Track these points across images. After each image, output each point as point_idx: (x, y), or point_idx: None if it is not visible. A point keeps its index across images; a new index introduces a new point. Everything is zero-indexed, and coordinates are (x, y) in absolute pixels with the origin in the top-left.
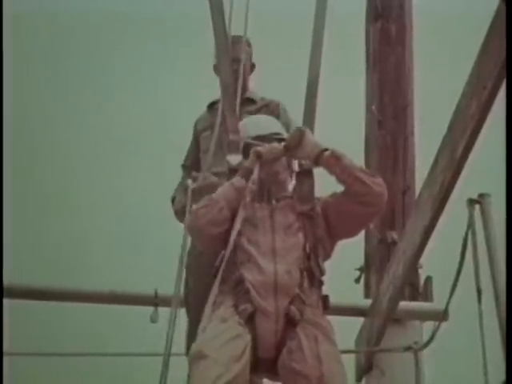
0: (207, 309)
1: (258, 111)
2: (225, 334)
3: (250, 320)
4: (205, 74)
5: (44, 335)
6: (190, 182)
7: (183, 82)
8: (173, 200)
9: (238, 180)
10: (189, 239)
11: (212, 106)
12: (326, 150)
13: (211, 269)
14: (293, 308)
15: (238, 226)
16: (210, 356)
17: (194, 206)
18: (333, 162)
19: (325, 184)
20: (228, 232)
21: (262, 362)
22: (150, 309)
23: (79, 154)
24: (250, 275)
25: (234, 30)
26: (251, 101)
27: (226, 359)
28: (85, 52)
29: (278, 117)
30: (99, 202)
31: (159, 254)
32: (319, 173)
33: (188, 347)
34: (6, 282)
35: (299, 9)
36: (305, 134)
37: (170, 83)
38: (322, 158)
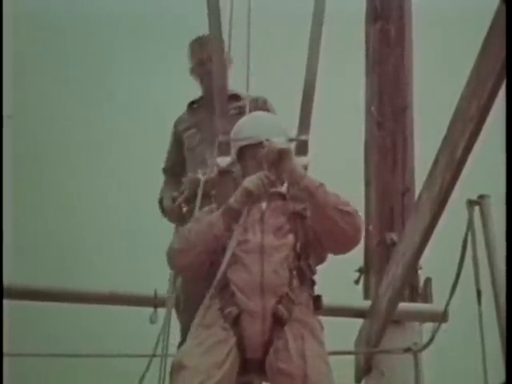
0: (197, 317)
1: (244, 106)
2: (207, 341)
3: (236, 322)
4: None
5: (44, 336)
6: (201, 174)
7: (180, 81)
8: (160, 201)
9: (217, 224)
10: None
11: (192, 105)
12: (303, 177)
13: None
14: (281, 307)
15: (227, 258)
16: (189, 366)
17: (174, 244)
18: (307, 197)
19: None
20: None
21: (251, 362)
22: (150, 310)
23: (80, 154)
24: (235, 276)
25: (234, 30)
26: (236, 97)
27: (208, 366)
28: (85, 51)
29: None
30: (99, 202)
31: (159, 255)
32: (316, 173)
33: None
34: (5, 282)
35: (297, 9)
36: (287, 154)
37: (167, 81)
38: (297, 187)
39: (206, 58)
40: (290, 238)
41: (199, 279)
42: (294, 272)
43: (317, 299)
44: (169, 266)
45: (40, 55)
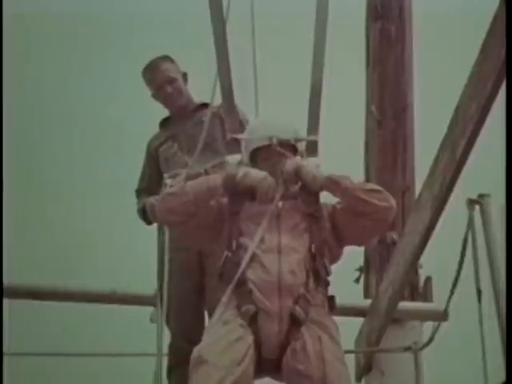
0: (216, 314)
1: (218, 110)
2: (226, 338)
3: (253, 321)
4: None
5: (44, 335)
6: (168, 180)
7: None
8: (142, 209)
9: (213, 178)
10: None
11: (164, 122)
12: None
13: (192, 272)
14: (298, 308)
15: (247, 258)
16: (210, 361)
17: (167, 191)
18: (332, 188)
19: None
20: (221, 234)
21: (267, 362)
22: (150, 309)
23: (79, 155)
24: (253, 275)
25: (232, 30)
26: (206, 105)
27: (227, 363)
28: (83, 52)
29: (240, 120)
30: (99, 201)
31: None
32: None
33: (169, 363)
34: (5, 281)
35: (300, 8)
36: (300, 169)
37: None
38: (323, 186)
39: (162, 82)
40: (306, 237)
41: (180, 233)
42: (310, 273)
43: (331, 300)
44: (154, 214)
45: (39, 55)
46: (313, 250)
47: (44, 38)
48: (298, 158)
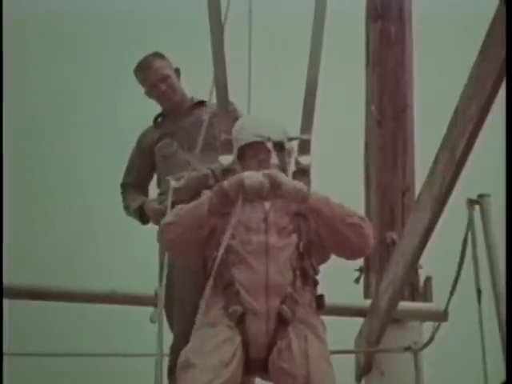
0: (199, 314)
1: (215, 111)
2: (213, 340)
3: (240, 321)
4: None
5: (44, 335)
6: (172, 181)
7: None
8: (140, 208)
9: (199, 209)
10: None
11: (157, 119)
12: (308, 196)
13: (195, 273)
14: (285, 307)
15: (229, 232)
16: (197, 364)
17: (164, 220)
18: (313, 215)
19: (321, 183)
20: (213, 236)
21: (255, 362)
22: (150, 309)
23: (80, 154)
24: (240, 276)
25: (230, 29)
26: (203, 103)
27: (215, 365)
28: (82, 51)
29: (237, 119)
30: (99, 201)
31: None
32: (316, 172)
33: (170, 363)
34: (5, 282)
35: (298, 8)
36: (282, 183)
37: None
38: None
39: (155, 80)
40: (294, 237)
41: (184, 258)
42: (298, 272)
43: (319, 299)
44: (158, 241)
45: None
46: (301, 249)
47: (43, 37)
48: (278, 170)
